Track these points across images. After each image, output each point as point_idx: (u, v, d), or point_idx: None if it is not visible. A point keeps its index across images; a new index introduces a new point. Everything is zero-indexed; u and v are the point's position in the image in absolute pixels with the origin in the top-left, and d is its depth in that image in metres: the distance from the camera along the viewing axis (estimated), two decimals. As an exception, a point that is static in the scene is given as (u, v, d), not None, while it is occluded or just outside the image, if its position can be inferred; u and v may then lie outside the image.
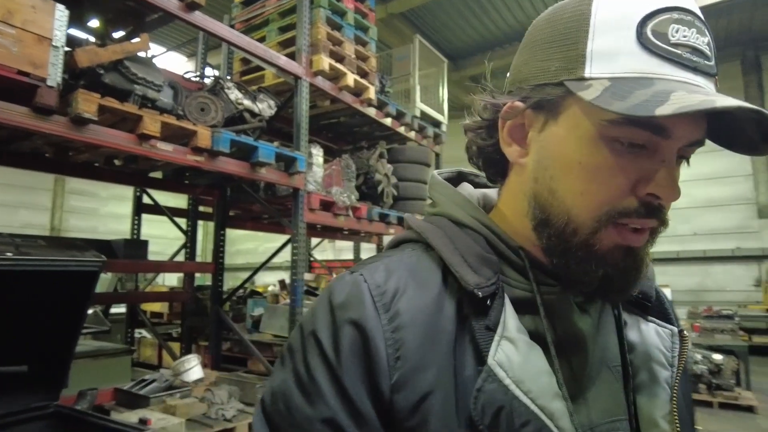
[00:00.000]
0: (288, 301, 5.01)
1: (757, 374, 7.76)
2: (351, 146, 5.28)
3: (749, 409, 6.23)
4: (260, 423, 0.52)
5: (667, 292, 9.78)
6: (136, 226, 4.91)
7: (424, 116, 5.41)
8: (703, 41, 0.49)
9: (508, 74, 0.60)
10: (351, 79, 4.01)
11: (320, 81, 3.85)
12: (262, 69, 4.16)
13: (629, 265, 0.52)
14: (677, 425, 0.56)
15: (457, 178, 0.70)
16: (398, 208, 4.85)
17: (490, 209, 0.64)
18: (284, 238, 4.14)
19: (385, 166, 4.73)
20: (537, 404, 0.49)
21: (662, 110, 0.43)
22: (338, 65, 3.92)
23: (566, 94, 0.51)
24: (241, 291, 5.43)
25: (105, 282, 5.78)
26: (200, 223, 5.24)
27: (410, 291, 0.53)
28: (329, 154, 4.67)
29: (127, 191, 5.16)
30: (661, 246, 11.77)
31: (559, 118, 0.53)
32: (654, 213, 0.51)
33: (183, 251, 5.02)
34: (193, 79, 4.11)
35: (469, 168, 0.71)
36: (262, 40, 4.06)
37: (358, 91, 4.23)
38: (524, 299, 0.55)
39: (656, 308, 0.65)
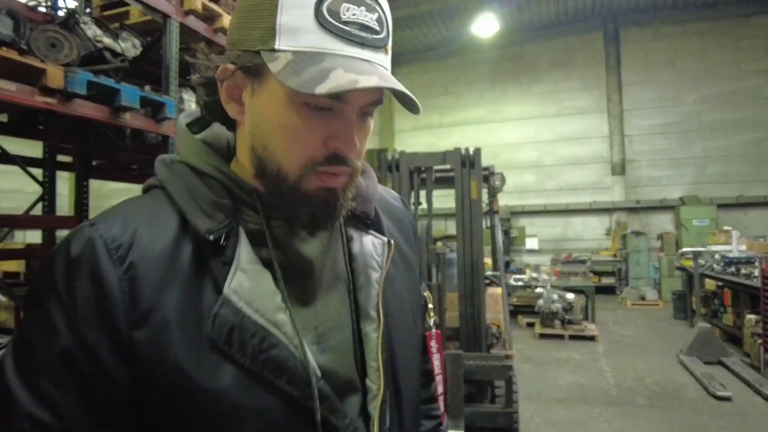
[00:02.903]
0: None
1: (600, 309, 9.04)
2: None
3: (592, 338, 7.27)
4: (9, 357, 0.58)
5: (535, 242, 10.85)
6: (-20, 177, 4.35)
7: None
8: (372, 17, 0.59)
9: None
10: (227, 20, 3.81)
11: (192, 21, 3.61)
12: (127, 5, 3.79)
13: (330, 202, 0.64)
14: (381, 314, 0.71)
15: (200, 122, 0.75)
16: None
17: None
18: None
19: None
20: (264, 318, 0.61)
21: (320, 89, 0.53)
22: (212, 5, 3.70)
23: (263, 63, 0.59)
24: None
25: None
26: (65, 176, 4.76)
27: (145, 241, 0.60)
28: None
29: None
30: (531, 199, 12.96)
31: (263, 83, 0.61)
32: (342, 161, 0.63)
33: (41, 205, 4.56)
34: (41, 10, 3.64)
35: None
36: (124, -29, 3.69)
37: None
38: (259, 233, 0.66)
39: (374, 223, 0.78)
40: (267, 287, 0.62)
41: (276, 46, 0.57)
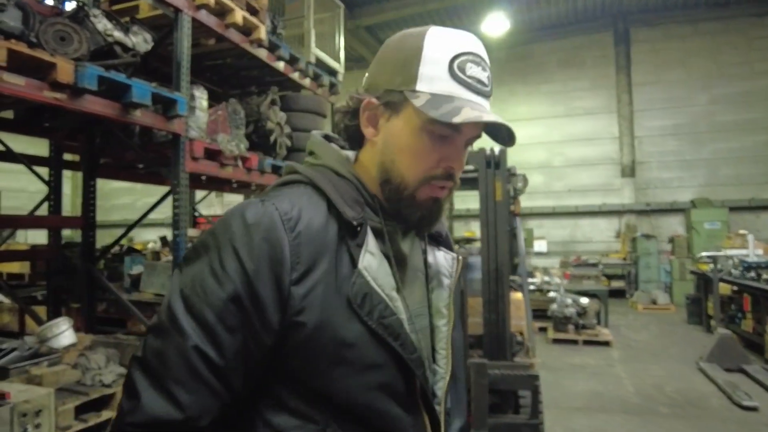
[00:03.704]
0: (170, 258, 4.67)
1: (612, 313, 8.87)
2: (239, 91, 4.88)
3: (606, 343, 7.12)
4: (176, 297, 0.72)
5: (543, 244, 10.71)
6: (-16, 176, 4.22)
7: (320, 64, 5.13)
8: (485, 75, 0.80)
9: (366, 75, 0.87)
10: (239, 15, 3.68)
11: (204, 15, 3.48)
12: (137, -2, 3.66)
13: (435, 209, 0.84)
14: (452, 311, 0.92)
15: (326, 139, 0.93)
16: (292, 159, 4.56)
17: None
18: (164, 190, 3.78)
19: (278, 114, 4.46)
20: (384, 293, 0.78)
21: (456, 119, 0.73)
22: (225, 0, 3.57)
23: (404, 100, 0.79)
24: (117, 249, 4.97)
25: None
26: (69, 174, 4.63)
27: (306, 217, 0.76)
28: (215, 99, 4.27)
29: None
30: (540, 201, 12.79)
31: (400, 114, 0.81)
32: (450, 178, 0.82)
33: (46, 205, 4.44)
34: (50, 3, 3.51)
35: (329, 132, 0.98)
36: (135, -36, 3.56)
37: (247, 30, 3.88)
38: (376, 229, 0.82)
39: (444, 241, 0.99)
40: (386, 270, 0.80)
41: (416, 89, 0.78)
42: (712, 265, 6.97)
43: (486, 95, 0.80)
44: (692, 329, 8.17)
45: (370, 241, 0.79)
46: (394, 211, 0.84)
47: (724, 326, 6.65)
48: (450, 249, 0.98)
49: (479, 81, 0.79)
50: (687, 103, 12.16)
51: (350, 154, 0.90)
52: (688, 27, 12.21)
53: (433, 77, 0.77)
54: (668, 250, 11.39)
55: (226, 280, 0.70)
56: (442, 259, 0.95)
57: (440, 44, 0.78)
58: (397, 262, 0.83)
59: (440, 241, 0.98)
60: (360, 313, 0.74)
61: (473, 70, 0.78)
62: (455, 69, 0.77)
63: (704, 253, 7.69)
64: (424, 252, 0.94)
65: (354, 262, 0.76)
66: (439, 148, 0.79)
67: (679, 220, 11.94)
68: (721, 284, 7.27)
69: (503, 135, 0.83)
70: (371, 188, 0.85)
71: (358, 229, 0.78)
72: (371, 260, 0.78)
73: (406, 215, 0.83)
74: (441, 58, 0.77)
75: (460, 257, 0.97)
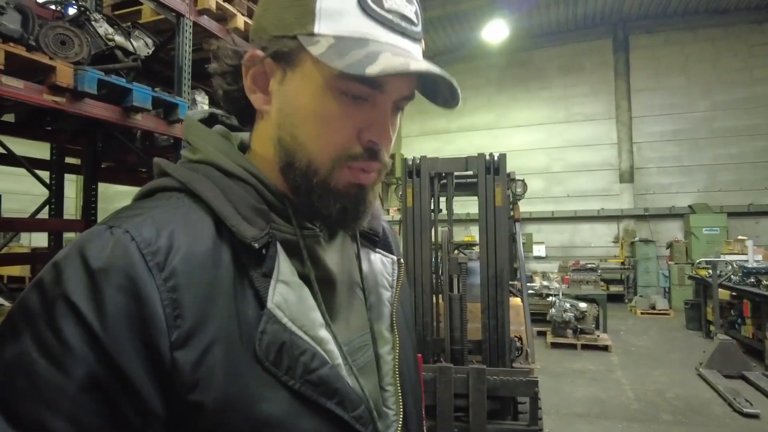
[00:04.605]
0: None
1: (611, 318, 8.87)
2: (242, 96, 4.92)
3: (605, 348, 7.11)
4: None
5: (542, 248, 10.71)
6: (-16, 179, 4.23)
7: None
8: (410, 9, 0.58)
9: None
10: (241, 20, 3.70)
11: (206, 21, 3.50)
12: (139, 3, 3.68)
13: (360, 199, 0.61)
14: (396, 333, 0.70)
15: (209, 120, 0.69)
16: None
17: (245, 153, 0.66)
18: (167, 193, 3.78)
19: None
20: (309, 335, 0.56)
21: (371, 69, 0.50)
22: (226, 5, 3.58)
23: (299, 47, 0.56)
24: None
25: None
26: (73, 178, 4.64)
27: (185, 247, 0.51)
28: (218, 104, 4.30)
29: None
30: (539, 206, 12.81)
31: (296, 69, 0.58)
32: (375, 156, 0.59)
33: (47, 208, 4.44)
34: (51, 7, 3.53)
35: (221, 110, 0.72)
36: (136, -32, 3.58)
37: (248, 35, 3.91)
38: (289, 243, 0.60)
39: (382, 241, 0.76)
40: (309, 303, 0.58)
41: (315, 31, 0.55)
42: (711, 271, 6.97)
43: (414, 37, 0.58)
44: (692, 334, 8.15)
45: (283, 265, 0.57)
46: (306, 206, 0.61)
47: (724, 332, 6.64)
48: (389, 251, 0.76)
49: (403, 17, 0.57)
50: (686, 109, 12.19)
51: (245, 136, 0.68)
52: (688, 33, 12.26)
53: (337, 12, 0.55)
54: (667, 255, 11.39)
55: (69, 358, 0.44)
56: (379, 264, 0.73)
57: None
58: (326, 284, 0.63)
59: (376, 241, 0.75)
60: (276, 373, 0.52)
61: (393, 2, 0.56)
62: (368, 1, 0.55)
63: (703, 259, 7.69)
64: (358, 257, 0.71)
65: (261, 301, 0.54)
66: (354, 114, 0.57)
67: (678, 226, 11.95)
68: (720, 290, 7.27)
69: (444, 93, 0.60)
70: (275, 182, 0.62)
71: (263, 251, 0.56)
72: (285, 293, 0.56)
73: (321, 209, 0.60)
74: None
75: (401, 260, 0.76)
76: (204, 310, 0.50)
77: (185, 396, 0.48)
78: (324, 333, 0.58)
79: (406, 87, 0.59)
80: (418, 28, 0.59)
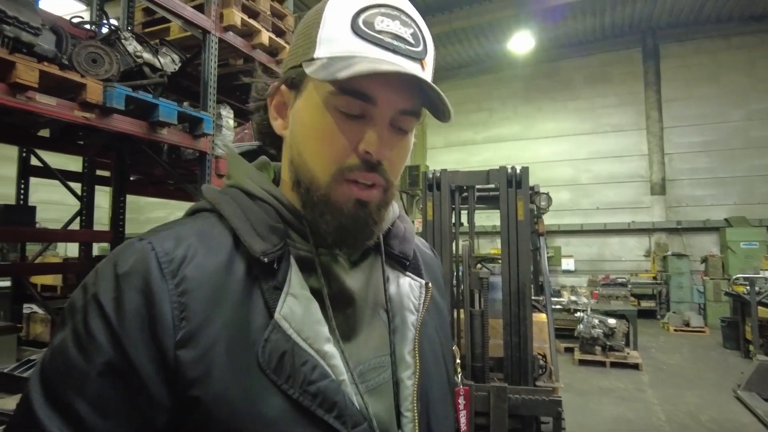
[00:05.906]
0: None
1: (641, 335, 8.59)
2: (266, 110, 4.99)
3: (635, 366, 6.88)
4: (36, 381, 0.53)
5: (571, 262, 10.49)
6: (22, 191, 4.39)
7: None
8: (406, 31, 0.60)
9: None
10: (266, 36, 3.77)
11: (231, 37, 3.58)
12: (167, 21, 3.79)
13: (362, 217, 0.62)
14: (417, 359, 0.68)
15: (257, 152, 0.75)
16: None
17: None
18: (194, 205, 3.86)
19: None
20: (313, 348, 0.58)
21: (342, 73, 0.54)
22: (251, 21, 3.66)
23: (303, 72, 0.60)
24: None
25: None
26: (106, 189, 4.80)
27: (199, 257, 0.58)
28: (243, 118, 4.38)
29: (10, 151, 4.58)
30: (567, 219, 12.58)
31: (302, 93, 0.64)
32: (373, 168, 0.61)
33: (79, 219, 4.58)
34: (86, 26, 3.66)
35: None
36: (166, -12, 3.68)
37: (273, 51, 3.97)
38: (307, 259, 0.64)
39: (413, 265, 0.76)
40: (316, 316, 0.60)
41: (315, 56, 0.60)
42: (749, 287, 6.69)
43: (408, 55, 0.60)
44: (728, 354, 7.83)
45: (295, 279, 0.61)
46: (313, 223, 0.64)
47: (764, 352, 6.35)
48: (418, 274, 0.76)
49: (396, 36, 0.59)
50: (720, 119, 11.84)
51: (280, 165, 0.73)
52: (721, 41, 11.95)
53: (332, 38, 0.59)
54: (701, 270, 11.01)
55: (93, 347, 0.52)
56: (407, 287, 0.73)
57: (344, 0, 0.61)
58: (341, 301, 0.65)
59: (407, 265, 0.75)
60: (276, 380, 0.55)
61: (385, 24, 0.59)
62: (360, 24, 0.58)
63: (741, 275, 7.40)
64: (386, 281, 0.72)
65: (270, 311, 0.58)
66: (350, 128, 0.60)
67: (712, 239, 11.55)
68: (760, 307, 6.97)
69: (439, 104, 0.62)
70: (294, 202, 0.66)
71: (274, 265, 0.60)
72: (293, 305, 0.59)
73: (321, 225, 0.62)
74: (342, 14, 0.60)
75: (429, 284, 0.75)
76: (209, 312, 0.55)
77: (186, 390, 0.53)
78: (329, 347, 0.60)
79: (400, 100, 0.61)
80: (418, 48, 0.61)
